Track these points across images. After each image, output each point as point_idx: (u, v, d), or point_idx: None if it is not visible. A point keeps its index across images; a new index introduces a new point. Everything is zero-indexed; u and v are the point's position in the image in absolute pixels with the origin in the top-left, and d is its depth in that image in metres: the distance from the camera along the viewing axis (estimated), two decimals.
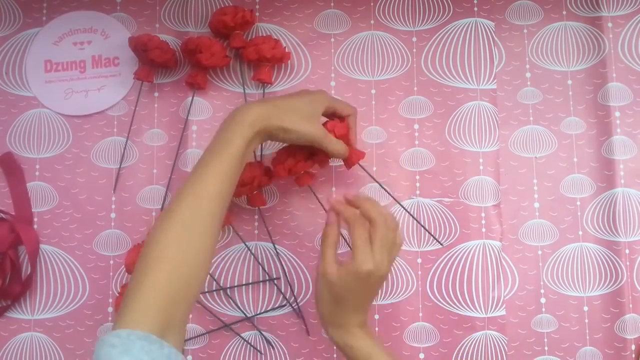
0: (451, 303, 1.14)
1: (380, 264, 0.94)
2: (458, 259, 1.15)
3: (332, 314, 0.98)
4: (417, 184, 1.17)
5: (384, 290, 1.14)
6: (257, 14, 1.21)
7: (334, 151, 1.06)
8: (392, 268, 1.06)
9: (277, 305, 1.14)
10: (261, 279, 1.15)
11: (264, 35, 1.20)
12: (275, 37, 1.19)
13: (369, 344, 0.97)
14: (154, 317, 0.80)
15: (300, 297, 1.15)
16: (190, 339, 1.13)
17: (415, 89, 1.19)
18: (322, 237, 1.01)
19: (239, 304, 1.14)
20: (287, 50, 1.19)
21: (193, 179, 0.91)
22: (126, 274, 1.15)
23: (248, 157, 0.98)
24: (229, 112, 0.99)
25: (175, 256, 0.85)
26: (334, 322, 0.98)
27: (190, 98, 1.18)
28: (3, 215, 1.16)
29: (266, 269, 1.15)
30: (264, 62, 1.17)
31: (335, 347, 1.10)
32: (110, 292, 1.15)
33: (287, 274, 1.16)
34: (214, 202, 0.91)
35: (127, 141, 1.18)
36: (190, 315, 1.13)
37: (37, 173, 1.18)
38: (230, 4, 1.20)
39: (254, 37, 1.21)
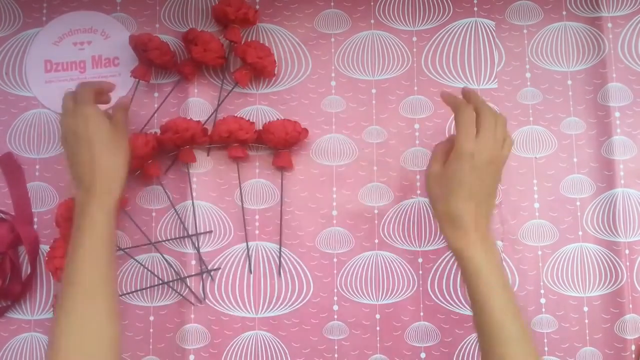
0: (452, 302, 1.14)
1: (483, 147, 0.93)
2: None
3: (446, 209, 0.95)
4: (418, 184, 1.17)
5: (384, 289, 1.14)
6: (257, 18, 1.20)
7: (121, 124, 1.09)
8: (393, 265, 1.08)
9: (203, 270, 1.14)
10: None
11: (262, 41, 1.21)
12: (276, 38, 1.20)
13: (481, 257, 0.92)
14: None
15: (302, 297, 1.15)
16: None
17: (416, 88, 1.19)
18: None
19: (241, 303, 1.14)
20: (273, 69, 1.18)
21: (71, 280, 0.94)
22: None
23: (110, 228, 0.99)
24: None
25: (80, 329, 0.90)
26: (450, 217, 0.94)
27: (190, 98, 1.18)
28: (3, 216, 1.16)
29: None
30: (245, 65, 1.16)
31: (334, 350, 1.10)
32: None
33: (288, 274, 1.15)
34: (102, 288, 0.94)
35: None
36: (192, 315, 1.13)
37: (37, 173, 1.17)
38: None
39: (254, 38, 1.21)
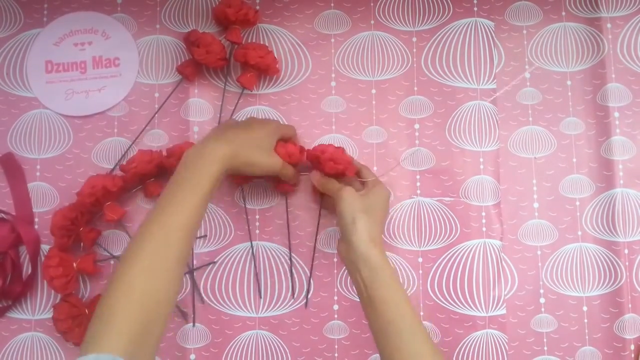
0: (452, 302, 1.13)
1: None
2: (459, 258, 1.14)
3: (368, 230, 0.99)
4: (418, 184, 1.16)
5: None
6: (258, 19, 1.20)
7: (287, 178, 1.12)
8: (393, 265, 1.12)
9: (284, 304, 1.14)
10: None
11: (262, 41, 1.20)
12: (276, 38, 1.19)
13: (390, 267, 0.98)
14: (125, 343, 0.78)
15: (302, 296, 1.14)
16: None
17: (416, 88, 1.18)
18: (318, 183, 1.10)
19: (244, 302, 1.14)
20: (277, 65, 1.17)
21: (160, 210, 0.90)
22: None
23: (214, 191, 0.96)
24: (195, 145, 0.98)
25: (144, 287, 0.83)
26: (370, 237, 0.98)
27: (191, 99, 1.18)
28: (4, 216, 1.15)
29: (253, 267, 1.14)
30: (248, 67, 1.16)
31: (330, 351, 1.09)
32: None
33: (289, 273, 1.15)
34: (182, 234, 0.88)
35: (131, 145, 1.17)
36: (193, 315, 1.12)
37: (37, 173, 1.17)
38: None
39: (253, 40, 1.20)
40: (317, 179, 1.10)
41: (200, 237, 1.15)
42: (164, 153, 1.14)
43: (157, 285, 0.84)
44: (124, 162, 1.13)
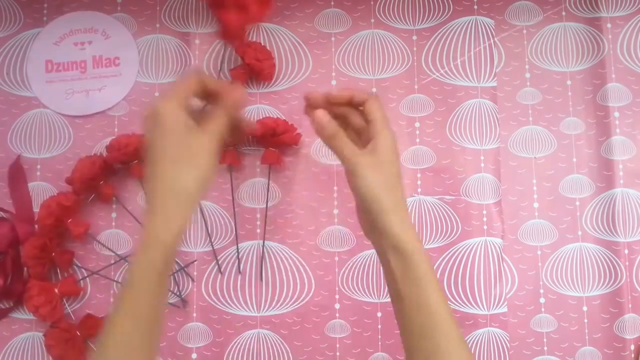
0: (453, 300, 1.13)
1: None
2: (460, 256, 1.14)
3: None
4: (419, 182, 1.16)
5: (386, 288, 1.13)
6: None
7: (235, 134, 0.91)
8: None
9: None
10: None
11: (263, 40, 1.19)
12: (276, 37, 1.19)
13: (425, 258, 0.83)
14: None
15: (303, 295, 1.14)
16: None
17: (416, 87, 1.18)
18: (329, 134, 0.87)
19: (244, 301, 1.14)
20: (271, 73, 1.17)
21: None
22: None
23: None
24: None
25: None
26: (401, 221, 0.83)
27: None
28: (4, 215, 1.15)
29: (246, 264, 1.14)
30: (243, 64, 1.15)
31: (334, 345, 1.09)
32: (112, 292, 1.14)
33: (290, 272, 1.14)
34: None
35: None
36: (195, 314, 1.12)
37: (38, 173, 1.16)
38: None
39: (254, 39, 1.20)
40: (324, 121, 0.87)
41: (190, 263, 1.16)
42: (104, 153, 1.13)
43: None
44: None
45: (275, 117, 1.16)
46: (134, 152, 1.10)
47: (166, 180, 0.80)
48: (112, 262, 1.14)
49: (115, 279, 1.14)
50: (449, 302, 1.10)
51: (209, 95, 0.89)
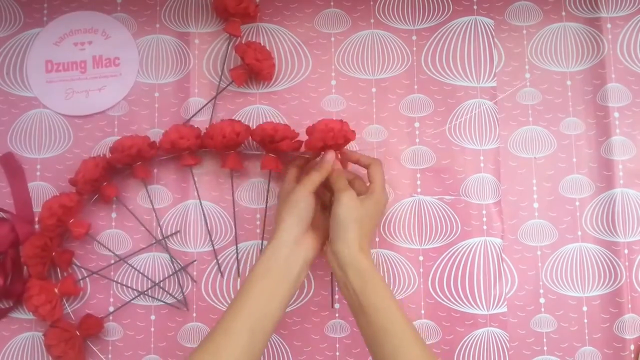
0: (453, 300, 1.13)
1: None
2: (459, 256, 1.14)
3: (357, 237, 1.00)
4: (418, 182, 1.16)
5: (389, 285, 1.12)
6: (258, 13, 1.19)
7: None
8: (394, 264, 1.15)
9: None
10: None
11: (262, 40, 1.19)
12: (276, 37, 1.19)
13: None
14: None
15: (303, 295, 1.14)
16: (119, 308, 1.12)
17: (416, 87, 1.18)
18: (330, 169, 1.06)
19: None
20: (271, 73, 1.17)
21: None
22: None
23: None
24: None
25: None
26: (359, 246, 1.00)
27: (191, 98, 1.17)
28: (4, 215, 1.14)
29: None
30: (243, 64, 1.15)
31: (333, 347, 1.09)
32: (111, 292, 1.14)
33: None
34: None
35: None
36: (194, 314, 1.12)
37: (38, 173, 1.16)
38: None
39: (253, 39, 1.19)
40: (329, 161, 1.07)
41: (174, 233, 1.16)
42: (107, 154, 1.13)
43: None
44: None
45: (277, 122, 1.15)
46: (137, 154, 1.10)
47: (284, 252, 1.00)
48: (112, 262, 1.14)
49: (115, 279, 1.14)
50: (449, 302, 1.12)
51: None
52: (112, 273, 1.14)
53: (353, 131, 1.07)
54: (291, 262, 0.98)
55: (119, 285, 1.14)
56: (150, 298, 1.13)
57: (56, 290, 1.10)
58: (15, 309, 1.13)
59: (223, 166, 1.13)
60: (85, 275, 1.14)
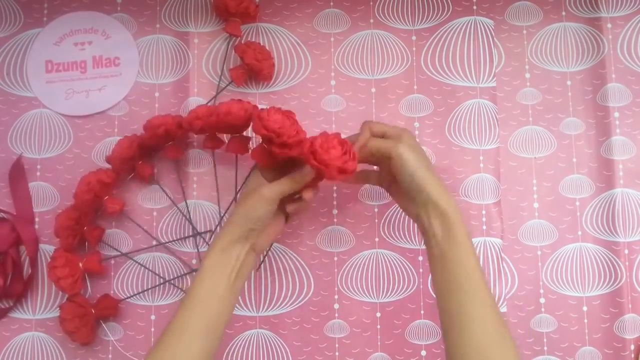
0: None
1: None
2: None
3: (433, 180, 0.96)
4: None
5: (385, 288, 1.13)
6: (258, 13, 1.19)
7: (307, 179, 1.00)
8: (393, 264, 1.14)
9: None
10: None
11: (262, 40, 1.19)
12: (275, 37, 1.19)
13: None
14: None
15: (302, 295, 1.13)
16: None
17: (415, 87, 1.17)
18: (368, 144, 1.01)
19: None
20: (271, 73, 1.16)
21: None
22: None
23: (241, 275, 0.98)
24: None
25: None
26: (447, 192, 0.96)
27: (191, 98, 1.17)
28: (4, 215, 1.14)
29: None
30: (242, 64, 1.15)
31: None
32: (112, 292, 1.13)
33: (289, 272, 1.14)
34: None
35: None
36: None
37: (38, 173, 1.15)
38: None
39: (252, 38, 1.19)
40: (365, 138, 1.01)
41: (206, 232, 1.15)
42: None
43: None
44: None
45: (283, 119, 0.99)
46: (165, 133, 1.10)
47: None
48: (143, 246, 1.15)
49: (144, 263, 1.14)
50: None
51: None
52: (112, 273, 1.14)
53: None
54: (226, 261, 0.95)
55: (143, 270, 1.14)
56: (150, 297, 1.13)
57: (81, 265, 1.10)
58: (15, 309, 1.13)
59: (227, 150, 1.09)
60: (112, 255, 1.14)
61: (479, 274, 0.91)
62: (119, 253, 1.14)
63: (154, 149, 1.15)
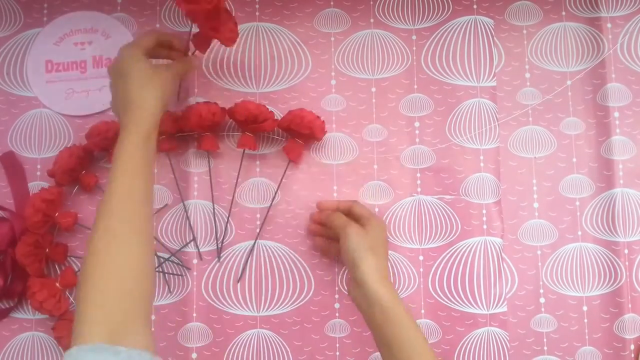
0: (453, 300, 1.12)
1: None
2: (460, 256, 1.13)
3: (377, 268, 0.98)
4: (418, 182, 1.15)
5: None
6: (257, 13, 1.19)
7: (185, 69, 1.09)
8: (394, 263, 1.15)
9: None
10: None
11: (262, 40, 1.19)
12: (275, 37, 1.19)
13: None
14: (98, 325, 0.78)
15: (303, 295, 1.13)
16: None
17: (416, 86, 1.17)
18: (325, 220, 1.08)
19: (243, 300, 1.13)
20: (231, 39, 1.07)
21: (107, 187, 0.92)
22: None
23: (152, 145, 0.97)
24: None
25: (105, 262, 0.84)
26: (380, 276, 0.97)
27: (190, 98, 1.17)
28: (4, 214, 1.14)
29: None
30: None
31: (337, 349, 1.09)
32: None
33: (289, 272, 1.14)
34: (127, 202, 0.89)
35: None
36: (194, 314, 1.12)
37: (38, 173, 1.15)
38: (232, 5, 1.18)
39: (253, 38, 1.19)
40: (318, 222, 1.12)
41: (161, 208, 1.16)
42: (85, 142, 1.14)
43: (118, 257, 0.85)
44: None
45: (258, 103, 1.12)
46: (114, 137, 1.08)
47: (135, 98, 0.97)
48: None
49: None
50: (449, 302, 1.12)
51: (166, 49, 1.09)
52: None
53: (323, 130, 1.12)
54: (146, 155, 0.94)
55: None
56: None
57: (57, 284, 1.09)
58: (15, 308, 1.13)
59: (199, 148, 1.14)
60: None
61: (426, 348, 0.93)
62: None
63: (96, 157, 1.15)
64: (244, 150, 1.14)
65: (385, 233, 1.07)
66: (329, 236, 1.11)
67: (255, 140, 1.14)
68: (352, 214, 1.08)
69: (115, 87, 1.02)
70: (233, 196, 1.14)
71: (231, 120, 1.14)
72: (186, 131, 1.13)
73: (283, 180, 1.14)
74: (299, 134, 1.12)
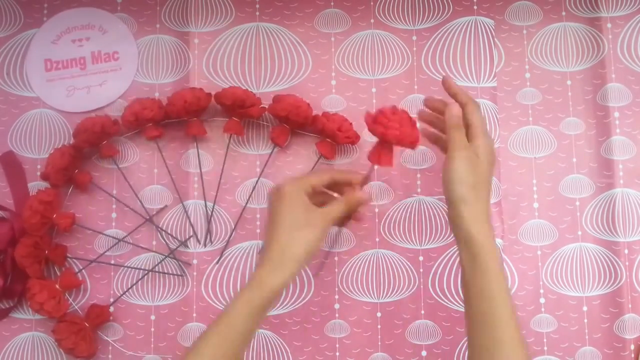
0: (453, 300, 1.12)
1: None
2: None
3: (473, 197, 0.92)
4: (418, 182, 1.15)
5: (385, 288, 1.13)
6: (258, 13, 1.19)
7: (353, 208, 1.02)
8: (394, 264, 1.13)
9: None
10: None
11: (262, 40, 1.19)
12: (276, 37, 1.19)
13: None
14: None
15: (303, 295, 1.13)
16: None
17: (416, 87, 1.17)
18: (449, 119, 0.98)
19: None
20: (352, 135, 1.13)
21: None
22: None
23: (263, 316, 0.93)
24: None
25: None
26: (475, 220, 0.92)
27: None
28: (4, 214, 1.14)
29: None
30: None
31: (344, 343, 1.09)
32: (111, 293, 1.13)
33: None
34: None
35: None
36: (194, 314, 1.11)
37: (38, 173, 1.15)
38: (232, 6, 1.19)
39: (253, 38, 1.19)
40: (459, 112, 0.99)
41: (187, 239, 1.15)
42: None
43: None
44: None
45: (245, 88, 1.13)
46: (102, 131, 1.10)
47: (281, 242, 0.93)
48: (110, 246, 1.14)
49: (113, 263, 1.14)
50: (449, 302, 1.11)
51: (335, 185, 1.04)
52: (112, 273, 1.14)
53: (314, 115, 1.13)
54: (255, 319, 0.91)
55: (119, 272, 1.14)
56: (150, 297, 1.13)
57: (57, 285, 1.09)
58: (15, 309, 1.13)
59: (187, 133, 1.14)
60: (82, 267, 1.14)
61: (505, 304, 0.88)
62: (89, 261, 1.14)
63: (86, 154, 1.15)
64: (230, 135, 1.15)
65: (493, 157, 0.97)
66: (439, 126, 1.06)
67: (241, 126, 1.14)
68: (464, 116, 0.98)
69: (267, 219, 0.98)
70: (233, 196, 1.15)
71: (230, 121, 1.14)
72: (173, 117, 1.13)
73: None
74: (293, 122, 1.12)
